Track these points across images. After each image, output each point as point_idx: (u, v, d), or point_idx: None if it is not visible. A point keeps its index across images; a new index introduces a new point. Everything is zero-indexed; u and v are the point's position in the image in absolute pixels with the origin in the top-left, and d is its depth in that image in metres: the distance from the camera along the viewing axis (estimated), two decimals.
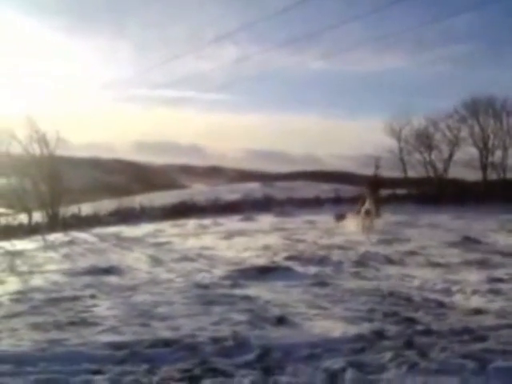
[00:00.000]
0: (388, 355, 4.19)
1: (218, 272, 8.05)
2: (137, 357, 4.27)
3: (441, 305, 6.19)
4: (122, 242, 12.17)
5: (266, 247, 11.06)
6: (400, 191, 31.63)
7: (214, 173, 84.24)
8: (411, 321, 5.33)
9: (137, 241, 12.63)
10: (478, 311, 5.94)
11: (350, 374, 3.80)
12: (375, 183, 18.75)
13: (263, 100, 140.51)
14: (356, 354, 4.29)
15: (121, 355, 4.31)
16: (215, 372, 3.92)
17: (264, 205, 26.63)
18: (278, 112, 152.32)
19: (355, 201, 27.19)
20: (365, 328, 4.96)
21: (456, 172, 39.28)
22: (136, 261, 9.40)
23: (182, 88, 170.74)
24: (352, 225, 15.80)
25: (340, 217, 17.71)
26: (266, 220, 20.02)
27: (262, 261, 9.02)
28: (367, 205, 15.39)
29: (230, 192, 33.30)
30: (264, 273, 7.84)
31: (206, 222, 19.12)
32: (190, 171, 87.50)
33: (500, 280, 7.84)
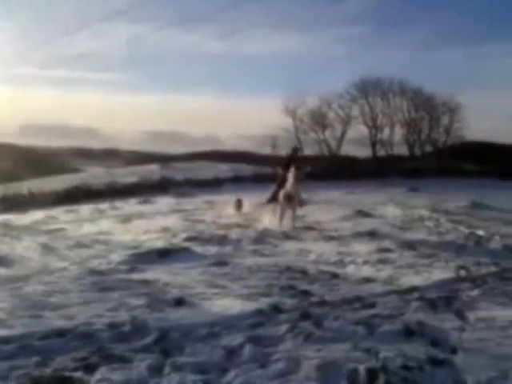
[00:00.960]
0: (284, 327, 4.32)
1: (115, 257, 7.79)
2: (28, 350, 4.03)
3: (335, 276, 6.47)
4: (9, 230, 11.39)
5: (165, 229, 10.89)
6: None
7: (110, 155, 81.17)
8: (307, 293, 5.53)
9: (27, 229, 11.89)
10: (368, 280, 6.30)
11: (247, 349, 3.87)
12: (296, 162, 12.10)
13: (160, 80, 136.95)
14: (254, 328, 4.37)
15: (9, 349, 4.05)
16: (112, 358, 3.80)
17: (162, 186, 26.16)
18: (176, 92, 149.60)
19: (256, 179, 27.71)
20: (263, 303, 5.06)
21: (348, 149, 41.24)
22: (26, 250, 8.84)
23: (74, 68, 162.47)
24: (266, 215, 12.27)
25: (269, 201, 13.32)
26: (164, 202, 19.70)
27: (160, 243, 8.87)
28: (289, 187, 11.18)
29: (128, 175, 32.34)
30: (163, 255, 7.71)
31: (103, 206, 18.42)
32: (84, 154, 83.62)
33: (388, 250, 8.34)
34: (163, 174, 31.38)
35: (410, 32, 73.71)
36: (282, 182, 11.98)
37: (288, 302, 5.16)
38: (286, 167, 12.01)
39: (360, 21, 79.54)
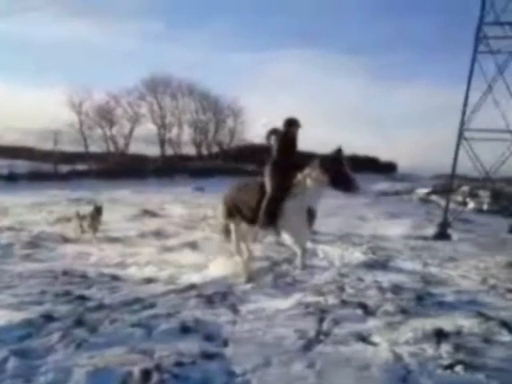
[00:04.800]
0: (55, 337, 4.08)
1: None
2: None
3: (115, 278, 6.35)
4: None
5: None
6: (81, 166, 31.05)
7: None
8: (83, 298, 5.31)
9: None
10: (149, 280, 6.32)
11: (11, 363, 3.56)
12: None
13: None
14: (21, 341, 4.04)
15: None
16: None
17: None
18: None
19: (33, 177, 25.66)
20: (33, 312, 4.70)
21: (136, 147, 40.80)
22: None
23: None
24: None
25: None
26: None
27: None
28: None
29: None
30: None
31: None
32: None
33: (171, 249, 8.50)
34: None
35: (201, 32, 75.76)
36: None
37: (62, 308, 4.89)
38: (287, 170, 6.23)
39: (154, 15, 78.91)
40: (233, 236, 6.90)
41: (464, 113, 14.72)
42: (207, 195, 21.69)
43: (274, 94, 76.77)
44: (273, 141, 6.41)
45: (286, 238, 6.19)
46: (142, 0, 74.01)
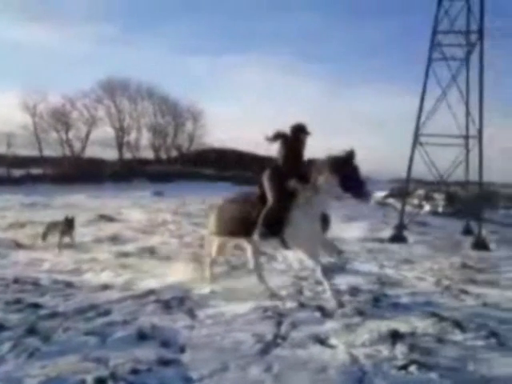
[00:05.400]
0: (6, 346, 3.95)
1: None
2: None
3: (69, 285, 6.19)
4: None
5: None
6: (35, 170, 30.21)
7: None
8: (36, 306, 5.15)
9: None
10: (105, 287, 6.19)
11: None
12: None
13: None
14: None
15: None
16: None
17: None
18: None
19: None
20: None
21: (93, 151, 40.02)
22: None
23: None
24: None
25: None
26: None
27: None
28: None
29: None
30: None
31: None
32: None
33: (128, 255, 8.36)
34: None
35: (158, 35, 75.16)
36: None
37: (13, 317, 4.72)
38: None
39: (110, 19, 77.86)
40: (212, 250, 6.57)
41: (419, 118, 15.10)
42: (166, 199, 21.52)
43: (236, 98, 76.95)
44: (279, 146, 5.90)
45: (297, 250, 5.78)
46: (98, 4, 73.00)
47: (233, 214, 6.07)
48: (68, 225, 9.27)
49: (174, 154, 43.27)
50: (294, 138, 5.87)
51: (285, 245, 5.75)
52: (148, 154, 42.50)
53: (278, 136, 5.88)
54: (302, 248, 5.65)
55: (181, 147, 43.33)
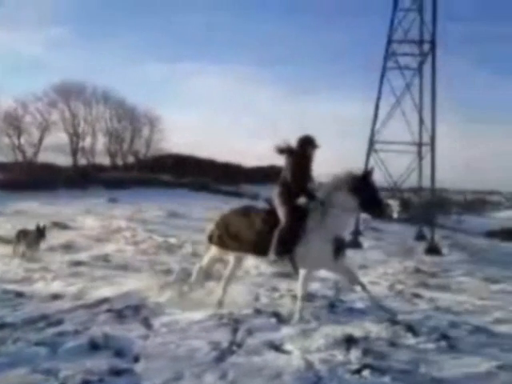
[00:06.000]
0: None
1: None
2: None
3: (19, 295, 6.00)
4: None
5: None
6: None
7: None
8: None
9: None
10: (56, 296, 6.02)
11: None
12: None
13: None
14: None
15: None
16: None
17: None
18: None
19: None
20: None
21: (46, 157, 38.92)
22: None
23: None
24: None
25: None
26: None
27: None
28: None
29: None
30: None
31: None
32: None
33: (81, 263, 8.18)
34: None
35: (112, 41, 74.22)
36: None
37: None
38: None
39: (61, 23, 76.37)
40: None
41: (374, 125, 15.44)
42: (122, 206, 21.12)
43: (193, 105, 76.73)
44: (285, 160, 5.58)
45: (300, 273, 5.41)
46: (49, 8, 71.46)
47: (242, 227, 5.67)
48: (39, 234, 8.98)
49: (131, 159, 42.59)
50: (302, 152, 5.56)
51: (294, 265, 5.42)
52: (104, 159, 41.64)
53: (284, 151, 5.57)
54: (308, 266, 5.39)
55: (138, 153, 42.68)
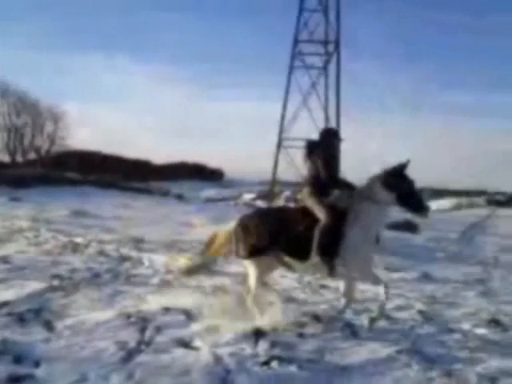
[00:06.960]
0: None
1: None
2: None
3: None
4: None
5: None
6: None
7: None
8: None
9: None
10: None
11: None
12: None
13: None
14: None
15: None
16: None
17: None
18: None
19: None
20: None
21: None
22: None
23: None
24: None
25: None
26: None
27: None
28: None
29: None
30: None
31: None
32: None
33: None
34: None
35: (8, 34, 70.04)
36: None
37: None
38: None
39: None
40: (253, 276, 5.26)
41: (282, 123, 15.78)
42: (25, 205, 20.02)
43: (101, 101, 74.35)
44: (308, 160, 5.28)
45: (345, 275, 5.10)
46: None
47: (262, 227, 5.13)
48: None
49: (32, 156, 40.46)
50: (327, 145, 5.33)
51: (331, 268, 4.98)
52: (2, 157, 39.32)
53: (309, 146, 5.34)
54: (355, 270, 5.05)
55: (40, 149, 40.64)
